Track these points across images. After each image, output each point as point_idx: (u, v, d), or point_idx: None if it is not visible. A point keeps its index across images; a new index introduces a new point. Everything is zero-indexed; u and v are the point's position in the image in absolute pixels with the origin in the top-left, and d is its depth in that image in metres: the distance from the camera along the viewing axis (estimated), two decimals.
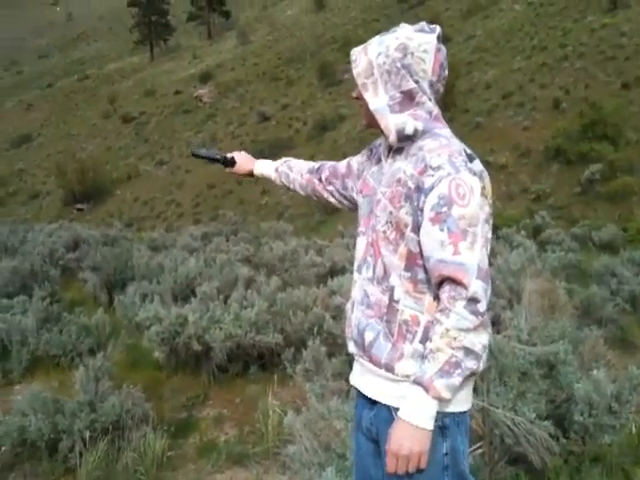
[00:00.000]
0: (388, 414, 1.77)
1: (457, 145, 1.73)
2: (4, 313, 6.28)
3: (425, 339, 1.70)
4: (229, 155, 2.41)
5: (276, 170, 2.35)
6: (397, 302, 1.75)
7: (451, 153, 1.68)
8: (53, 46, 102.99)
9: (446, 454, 1.74)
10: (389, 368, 1.76)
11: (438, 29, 1.77)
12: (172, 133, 43.03)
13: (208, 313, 5.42)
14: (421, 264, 1.72)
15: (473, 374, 1.67)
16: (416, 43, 1.72)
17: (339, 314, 5.16)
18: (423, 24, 1.78)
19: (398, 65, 1.72)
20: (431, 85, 1.75)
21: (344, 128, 30.05)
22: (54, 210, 35.45)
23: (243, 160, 2.42)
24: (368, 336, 1.81)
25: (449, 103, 26.80)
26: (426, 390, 1.62)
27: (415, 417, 1.63)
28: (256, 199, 27.50)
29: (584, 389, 2.91)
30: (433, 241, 1.64)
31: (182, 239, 10.94)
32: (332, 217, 21.75)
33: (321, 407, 3.26)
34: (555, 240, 12.55)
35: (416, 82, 1.73)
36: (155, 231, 16.50)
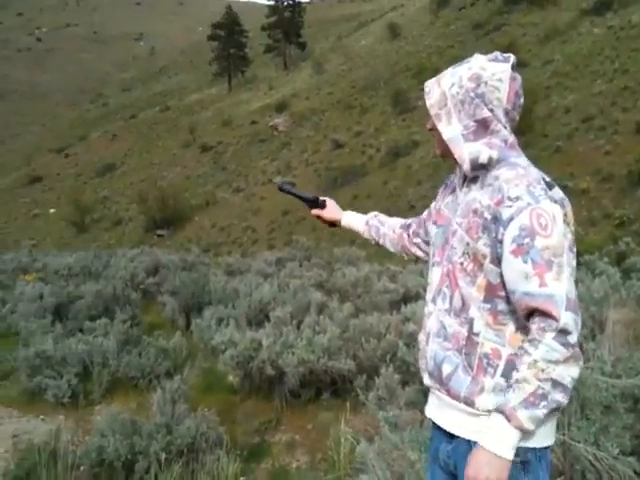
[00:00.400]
0: (467, 448, 1.72)
1: (535, 174, 1.69)
2: (87, 335, 6.54)
3: (507, 373, 1.66)
4: (321, 198, 2.36)
5: (366, 223, 2.32)
6: (477, 335, 1.71)
7: (529, 182, 1.64)
8: (136, 79, 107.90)
9: None
10: (469, 402, 1.72)
11: (512, 58, 1.75)
12: (248, 161, 44.00)
13: (281, 338, 5.45)
14: (502, 295, 1.68)
15: (559, 408, 1.60)
16: (490, 72, 1.71)
17: (412, 341, 5.08)
18: (497, 53, 1.77)
19: (472, 95, 1.71)
20: (506, 113, 1.73)
21: (417, 154, 29.93)
22: (136, 236, 36.76)
23: (332, 206, 2.39)
24: (446, 369, 1.77)
25: (526, 128, 26.27)
26: (508, 419, 1.58)
27: (495, 445, 1.59)
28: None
29: None
30: (517, 274, 1.60)
31: (257, 264, 11.10)
32: None
33: (394, 437, 3.20)
34: None
35: (490, 110, 1.71)
36: (231, 256, 16.80)
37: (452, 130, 1.74)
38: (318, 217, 2.39)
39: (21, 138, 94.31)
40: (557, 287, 1.56)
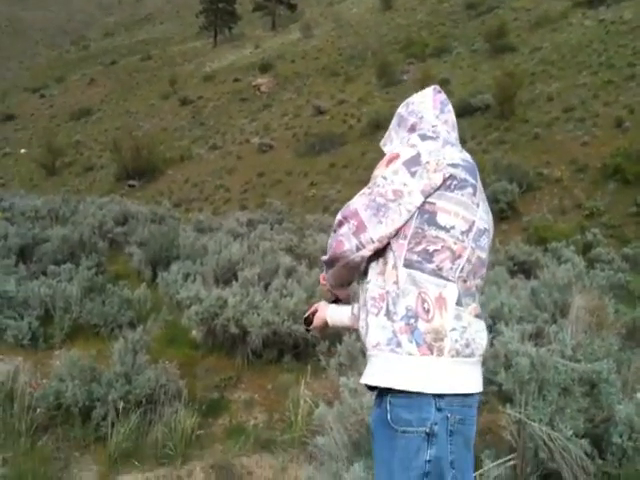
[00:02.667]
0: (377, 407, 1.82)
1: (421, 131, 1.97)
2: (51, 279, 6.45)
3: (389, 313, 1.78)
4: (309, 311, 2.30)
5: (352, 312, 2.12)
6: (368, 282, 1.89)
7: (409, 137, 1.95)
8: (120, 24, 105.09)
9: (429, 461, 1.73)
10: (365, 344, 1.86)
11: (433, 85, 2.17)
12: (227, 119, 43.41)
13: (248, 298, 5.45)
14: None
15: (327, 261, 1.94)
16: (414, 98, 2.13)
17: None
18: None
19: (404, 114, 2.10)
20: (436, 116, 2.06)
21: None
22: (107, 184, 36.18)
23: (319, 312, 2.27)
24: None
25: (508, 112, 26.38)
26: None
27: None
28: (303, 190, 27.55)
29: (625, 411, 2.82)
30: None
31: (228, 223, 11.04)
32: None
33: (354, 402, 3.23)
34: (605, 259, 12.22)
35: (421, 118, 2.05)
36: (202, 213, 16.68)
37: (392, 146, 2.06)
38: (315, 330, 2.34)
39: None
40: (352, 200, 1.85)
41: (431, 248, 1.78)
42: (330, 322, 2.24)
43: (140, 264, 8.14)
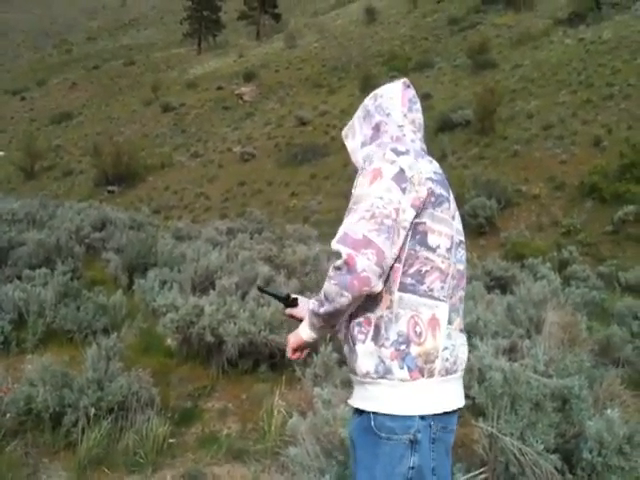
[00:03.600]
0: (358, 416, 1.83)
1: (392, 145, 1.87)
2: (25, 283, 6.37)
3: (377, 339, 1.77)
4: (293, 295, 2.29)
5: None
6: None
7: (384, 152, 1.83)
8: (104, 29, 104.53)
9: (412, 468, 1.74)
10: (353, 370, 1.85)
11: (403, 79, 2.10)
12: (210, 127, 43.32)
13: (225, 307, 5.43)
14: None
15: (319, 315, 1.82)
16: (384, 89, 2.06)
17: None
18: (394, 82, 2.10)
19: (370, 108, 2.05)
20: (404, 115, 2.00)
21: None
22: (86, 189, 35.87)
23: (303, 304, 2.23)
24: (344, 345, 1.92)
25: (488, 128, 26.67)
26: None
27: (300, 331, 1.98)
28: (284, 200, 27.56)
29: (596, 427, 2.85)
30: None
31: (207, 232, 11.00)
32: None
33: (327, 413, 3.23)
34: (580, 276, 12.38)
35: (388, 115, 2.00)
36: (181, 221, 16.61)
37: (354, 142, 2.06)
38: (291, 316, 2.26)
39: None
40: (343, 225, 1.75)
41: (423, 269, 1.78)
42: (306, 337, 2.10)
43: (117, 270, 8.08)
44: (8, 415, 3.97)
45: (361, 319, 1.80)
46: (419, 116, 2.05)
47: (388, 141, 1.91)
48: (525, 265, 11.87)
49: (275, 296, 2.37)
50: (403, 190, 1.75)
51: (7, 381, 4.41)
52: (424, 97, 29.55)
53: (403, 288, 1.76)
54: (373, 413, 1.76)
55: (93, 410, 3.88)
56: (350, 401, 1.89)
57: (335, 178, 27.35)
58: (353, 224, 1.72)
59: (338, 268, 1.70)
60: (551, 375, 3.14)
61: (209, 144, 39.90)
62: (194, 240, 9.95)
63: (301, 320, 2.27)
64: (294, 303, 2.27)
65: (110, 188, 35.10)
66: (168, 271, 7.31)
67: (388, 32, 54.11)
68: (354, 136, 2.07)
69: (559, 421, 2.94)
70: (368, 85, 38.84)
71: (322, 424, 3.16)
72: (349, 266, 1.67)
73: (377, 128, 1.99)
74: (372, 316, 1.78)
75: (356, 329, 1.81)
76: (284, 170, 30.95)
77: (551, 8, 42.27)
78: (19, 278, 6.72)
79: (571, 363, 3.30)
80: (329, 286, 1.72)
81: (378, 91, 2.08)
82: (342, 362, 4.49)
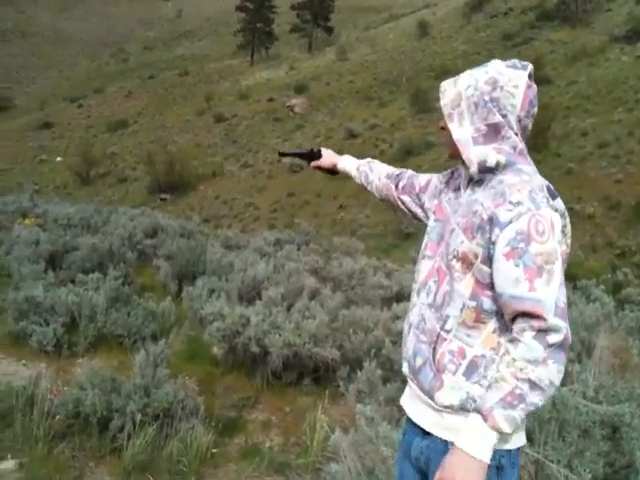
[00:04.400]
0: (443, 447, 1.74)
1: (539, 181, 1.69)
2: (78, 287, 6.53)
3: (468, 372, 1.68)
4: (316, 148, 2.44)
5: (357, 169, 2.36)
6: (448, 332, 1.73)
7: (532, 189, 1.64)
8: (159, 40, 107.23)
9: None
10: (430, 396, 1.76)
11: (530, 67, 1.75)
12: (260, 138, 43.86)
13: (270, 318, 5.46)
14: (489, 294, 1.68)
15: (536, 410, 1.60)
16: (506, 78, 1.71)
17: (399, 339, 5.08)
18: (515, 61, 1.77)
19: (486, 98, 1.71)
20: (519, 120, 1.73)
21: (430, 155, 29.84)
22: (139, 196, 36.72)
23: (328, 154, 2.44)
24: (418, 361, 1.80)
25: (541, 145, 26.23)
26: (484, 419, 1.57)
27: (472, 447, 1.57)
28: (332, 213, 27.63)
29: None
30: (507, 276, 1.60)
31: (255, 241, 11.09)
32: (406, 242, 21.56)
33: (370, 430, 3.21)
34: (635, 300, 11.99)
35: (503, 116, 1.71)
36: (231, 230, 16.79)
37: (463, 132, 1.74)
38: (317, 168, 2.45)
39: (38, 82, 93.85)
40: (546, 293, 1.55)
41: None
42: (340, 166, 2.39)
43: (166, 277, 8.21)
44: (57, 417, 4.07)
45: (454, 348, 1.71)
46: (530, 123, 1.78)
47: (510, 151, 1.72)
48: (578, 286, 11.59)
49: (297, 155, 2.46)
50: (560, 244, 1.64)
51: (57, 384, 4.53)
52: None
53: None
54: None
55: (139, 416, 3.94)
56: (418, 420, 1.82)
57: None
58: (556, 290, 1.57)
59: (558, 346, 1.55)
60: (601, 401, 3.04)
61: (259, 155, 40.39)
62: (242, 250, 10.04)
63: (329, 171, 2.45)
64: (318, 155, 2.39)
65: (163, 196, 35.86)
66: (216, 280, 7.39)
67: (440, 46, 53.91)
68: (461, 123, 1.75)
69: (608, 450, 2.84)
70: (419, 99, 38.74)
71: (364, 441, 3.13)
72: (566, 342, 1.56)
73: (495, 129, 1.72)
74: (469, 350, 1.70)
75: (447, 357, 1.72)
76: (332, 182, 31.00)
77: (608, 25, 41.48)
78: (72, 282, 6.90)
79: (622, 390, 3.19)
80: (548, 370, 1.54)
81: (499, 77, 1.71)
82: (386, 379, 4.46)
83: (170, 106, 61.64)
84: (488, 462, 1.57)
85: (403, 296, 7.30)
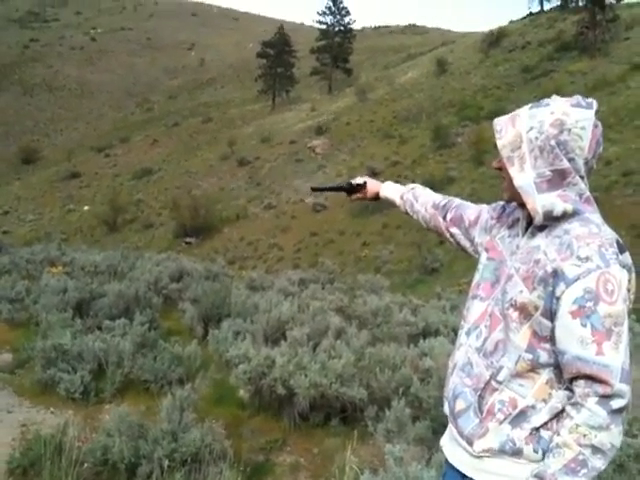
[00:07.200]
0: None
1: (609, 234, 1.61)
2: (105, 334, 6.58)
3: (515, 422, 1.64)
4: (356, 181, 2.42)
5: (401, 197, 2.35)
6: (500, 382, 1.68)
7: (602, 243, 1.56)
8: (183, 88, 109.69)
9: None
10: (469, 442, 1.72)
11: (595, 104, 1.68)
12: (283, 180, 44.31)
13: (296, 358, 5.42)
14: (546, 348, 1.64)
15: (598, 474, 1.56)
16: (573, 119, 1.62)
17: (427, 377, 5.02)
18: (579, 98, 1.69)
19: (552, 143, 1.61)
20: (586, 162, 1.64)
21: (452, 190, 29.83)
22: (165, 241, 37.17)
23: (372, 184, 2.44)
24: (459, 404, 1.77)
25: None
26: None
27: None
28: (355, 250, 27.65)
29: None
30: (572, 335, 1.55)
31: (280, 282, 11.10)
32: (431, 277, 21.42)
33: (399, 471, 3.15)
34: None
35: (570, 160, 1.61)
36: (255, 271, 16.86)
37: (525, 177, 1.65)
38: (360, 199, 2.47)
39: (65, 134, 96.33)
40: (614, 357, 1.52)
41: None
42: (382, 195, 2.39)
43: (192, 321, 8.24)
44: (85, 465, 4.05)
45: (505, 398, 1.67)
46: (595, 163, 1.69)
47: (577, 199, 1.64)
48: None
49: (336, 189, 2.41)
50: (625, 301, 1.57)
51: (85, 431, 4.53)
52: (497, 147, 29.26)
53: (566, 387, 1.64)
54: None
55: (167, 461, 3.92)
56: (457, 463, 1.78)
57: (407, 228, 27.24)
58: (623, 354, 1.53)
59: (620, 411, 1.53)
60: (635, 435, 2.96)
61: (282, 196, 40.77)
62: (267, 290, 10.05)
63: (371, 199, 2.44)
64: (360, 187, 2.37)
65: (188, 239, 36.28)
66: (241, 321, 7.39)
67: (459, 82, 54.31)
68: (522, 167, 1.66)
69: None
70: (439, 135, 38.91)
71: None
72: (628, 405, 1.55)
73: (561, 175, 1.62)
74: (521, 400, 1.65)
75: (497, 406, 1.67)
76: (356, 220, 31.16)
77: (627, 54, 41.49)
78: (99, 329, 6.95)
79: None
80: (610, 434, 1.52)
81: (565, 119, 1.62)
82: (415, 418, 4.39)
83: (194, 152, 62.71)
84: None
85: (430, 332, 7.23)
